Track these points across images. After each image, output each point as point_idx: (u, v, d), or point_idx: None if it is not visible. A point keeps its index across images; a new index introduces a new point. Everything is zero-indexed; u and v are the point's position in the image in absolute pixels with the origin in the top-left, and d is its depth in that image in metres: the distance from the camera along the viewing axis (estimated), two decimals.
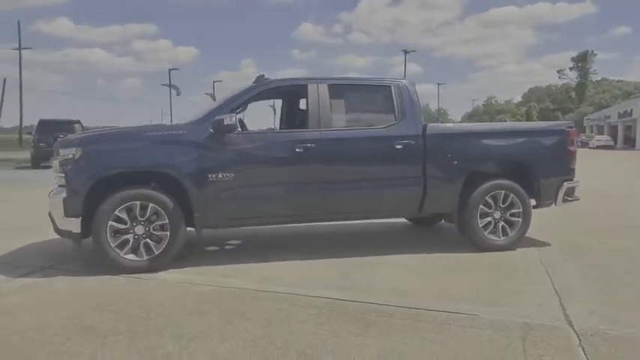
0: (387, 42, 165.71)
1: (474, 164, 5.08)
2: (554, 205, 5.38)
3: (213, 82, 48.66)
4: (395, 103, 4.96)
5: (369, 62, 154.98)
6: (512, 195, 5.11)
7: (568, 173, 5.38)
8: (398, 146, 4.81)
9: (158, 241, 4.35)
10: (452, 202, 5.04)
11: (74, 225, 4.22)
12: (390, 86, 5.01)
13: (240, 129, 4.57)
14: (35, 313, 3.36)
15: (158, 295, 3.74)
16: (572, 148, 5.37)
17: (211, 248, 5.36)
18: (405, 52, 52.18)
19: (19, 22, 46.40)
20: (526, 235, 5.27)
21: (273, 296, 3.68)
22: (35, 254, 4.95)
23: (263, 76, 4.97)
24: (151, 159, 4.34)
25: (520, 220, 5.15)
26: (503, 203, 5.12)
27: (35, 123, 19.92)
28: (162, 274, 4.25)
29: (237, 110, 4.75)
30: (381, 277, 4.20)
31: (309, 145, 4.59)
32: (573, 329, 3.03)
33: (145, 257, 4.31)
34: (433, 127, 5.09)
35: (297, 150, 4.58)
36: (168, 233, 4.35)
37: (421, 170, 4.89)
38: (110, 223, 4.22)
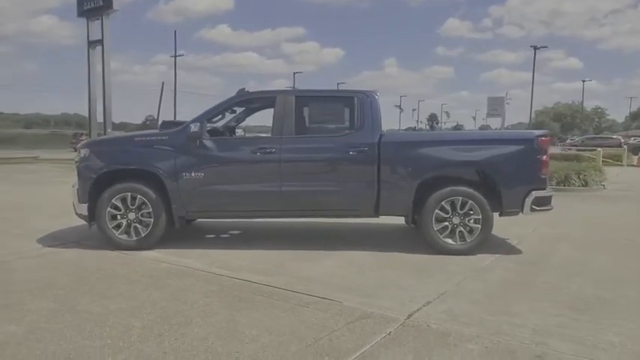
0: (541, 35, 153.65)
1: (428, 171, 5.33)
2: (521, 213, 5.40)
3: (400, 96, 50.44)
4: (356, 113, 5.43)
5: (521, 57, 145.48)
6: (470, 202, 5.27)
7: (537, 182, 5.35)
8: (352, 152, 5.29)
9: (146, 225, 5.40)
10: (405, 206, 5.37)
11: (84, 209, 5.44)
12: (353, 97, 5.49)
13: (207, 135, 5.41)
14: (32, 272, 4.56)
15: (123, 267, 4.75)
16: (543, 157, 5.33)
17: (210, 236, 6.32)
18: (535, 47, 48.98)
19: (175, 32, 53.13)
20: (514, 244, 5.57)
21: (204, 275, 4.48)
22: (71, 232, 6.33)
23: (244, 89, 5.77)
24: (139, 159, 5.40)
25: (479, 226, 5.28)
26: (462, 209, 5.30)
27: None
28: (144, 253, 5.27)
29: (215, 119, 5.63)
30: (313, 268, 4.76)
31: (269, 150, 5.29)
32: (403, 321, 3.37)
33: (134, 238, 5.39)
34: (389, 136, 5.46)
35: (258, 154, 5.31)
36: (152, 220, 5.37)
37: (375, 175, 5.30)
38: (108, 209, 5.37)
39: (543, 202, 5.38)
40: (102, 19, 21.06)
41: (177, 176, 5.32)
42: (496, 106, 39.10)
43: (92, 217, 5.45)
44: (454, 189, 5.30)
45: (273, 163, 5.30)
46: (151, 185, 5.37)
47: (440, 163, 5.33)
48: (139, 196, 5.36)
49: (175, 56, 45.09)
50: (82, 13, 21.91)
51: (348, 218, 6.48)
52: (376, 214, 5.47)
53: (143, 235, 5.39)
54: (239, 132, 6.72)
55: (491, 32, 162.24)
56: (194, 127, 5.21)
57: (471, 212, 5.30)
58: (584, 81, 64.80)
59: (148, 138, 5.53)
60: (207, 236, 6.31)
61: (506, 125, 42.44)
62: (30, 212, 7.82)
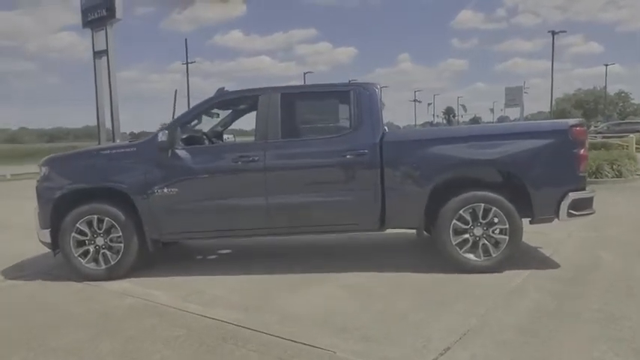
0: (558, 21, 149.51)
1: (442, 174, 4.47)
2: (557, 220, 4.49)
3: (415, 91, 49.73)
4: (352, 110, 4.60)
5: (537, 45, 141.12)
6: (494, 209, 4.39)
7: (574, 182, 4.44)
8: (349, 156, 4.46)
9: (116, 252, 4.67)
10: (416, 217, 4.52)
11: (46, 236, 4.74)
12: (348, 92, 4.66)
13: (181, 144, 4.65)
14: None
15: (81, 304, 4.02)
16: (580, 152, 4.41)
17: (198, 257, 5.58)
18: (553, 33, 47.36)
19: (186, 40, 52.86)
20: (548, 254, 4.73)
21: (171, 313, 3.72)
22: (46, 259, 5.63)
23: (223, 88, 5.01)
24: (104, 176, 4.67)
25: (506, 238, 4.40)
26: (484, 218, 4.42)
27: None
28: (114, 283, 4.54)
29: (191, 124, 4.87)
30: (304, 299, 3.95)
31: (251, 157, 4.51)
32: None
33: (104, 266, 4.66)
34: (392, 134, 4.62)
35: (239, 163, 4.53)
36: (122, 245, 4.64)
37: (378, 182, 4.46)
38: (73, 234, 4.65)
39: (583, 205, 4.46)
40: (106, 29, 20.79)
41: (148, 193, 4.57)
42: (514, 96, 38.20)
43: (56, 244, 4.75)
44: (474, 194, 4.42)
45: (257, 172, 4.51)
46: (120, 205, 4.64)
47: (455, 164, 4.46)
48: (106, 218, 4.63)
49: (187, 63, 44.90)
50: (86, 24, 21.68)
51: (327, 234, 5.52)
52: (382, 227, 4.62)
53: (113, 262, 4.66)
54: (228, 138, 5.97)
55: (505, 22, 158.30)
56: (162, 136, 4.45)
57: (496, 221, 4.42)
58: (606, 65, 61.59)
59: (114, 151, 4.80)
60: (194, 257, 5.57)
61: (525, 115, 41.16)
62: (19, 232, 7.20)
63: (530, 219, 4.54)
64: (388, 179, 4.46)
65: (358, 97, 4.60)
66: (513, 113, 55.36)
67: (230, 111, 5.79)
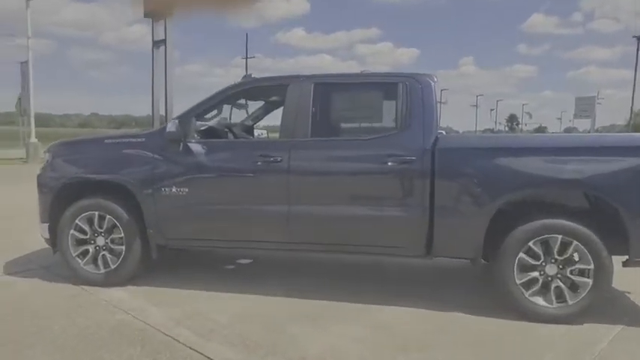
0: None
1: (510, 193, 3.53)
2: None
3: (477, 95, 48.47)
4: (399, 106, 3.75)
5: (616, 53, 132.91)
6: (575, 243, 3.41)
7: None
8: (391, 163, 3.61)
9: (117, 255, 4.08)
10: (473, 245, 3.60)
11: (45, 231, 4.23)
12: (396, 85, 3.80)
13: (196, 136, 3.99)
14: None
15: (65, 317, 3.43)
16: None
17: (209, 264, 4.92)
18: (639, 38, 43.66)
19: (247, 34, 52.69)
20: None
21: (157, 342, 3.05)
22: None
23: (250, 75, 4.30)
24: (107, 168, 4.08)
25: (589, 281, 3.41)
26: (561, 254, 3.45)
27: None
28: (110, 291, 3.96)
29: (209, 114, 4.20)
30: (321, 339, 3.15)
31: (273, 158, 3.76)
32: None
33: (102, 270, 4.09)
34: (447, 139, 3.72)
35: (259, 164, 3.79)
36: (123, 248, 4.04)
37: (426, 198, 3.59)
38: (72, 232, 4.11)
39: None
40: (165, 20, 20.86)
41: (154, 192, 3.94)
42: (585, 107, 36.06)
43: (55, 240, 4.23)
44: (550, 222, 3.46)
45: (279, 176, 3.76)
46: (123, 203, 4.05)
47: (529, 181, 3.50)
48: (107, 216, 4.05)
49: (246, 58, 45.12)
50: (147, 13, 21.90)
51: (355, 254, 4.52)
52: (427, 253, 3.73)
53: (113, 267, 4.07)
54: (261, 134, 5.27)
55: (581, 27, 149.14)
56: (171, 127, 3.80)
57: (576, 259, 3.44)
58: None
59: (121, 140, 4.19)
60: (209, 264, 4.91)
61: (596, 127, 38.47)
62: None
63: (623, 261, 3.51)
64: (440, 195, 3.58)
65: (408, 91, 3.74)
66: (582, 125, 51.62)
67: (262, 103, 5.10)
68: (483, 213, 3.52)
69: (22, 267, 4.63)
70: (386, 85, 3.90)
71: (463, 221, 3.58)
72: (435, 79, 3.84)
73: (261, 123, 5.39)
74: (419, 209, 3.60)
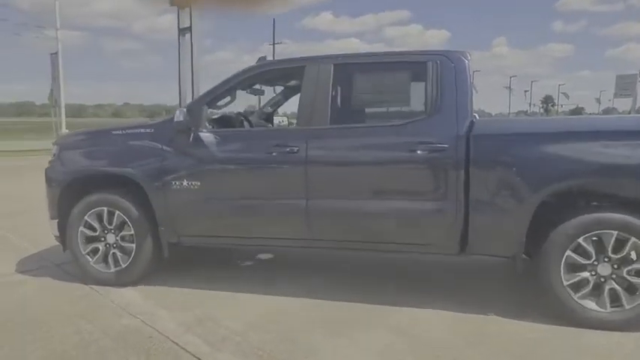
0: None
1: (557, 184, 3.10)
2: None
3: (510, 77, 47.22)
4: (429, 87, 3.35)
5: None
6: (633, 240, 2.97)
7: None
8: (420, 151, 3.23)
9: (128, 253, 3.86)
10: (513, 242, 3.20)
11: (54, 228, 4.05)
12: (425, 64, 3.39)
13: (207, 126, 3.69)
14: None
15: (68, 323, 3.22)
16: None
17: (233, 260, 4.67)
18: None
19: (274, 19, 51.71)
20: None
21: (164, 352, 2.80)
22: None
23: (265, 57, 3.97)
24: (114, 161, 3.85)
25: None
26: (616, 252, 3.02)
27: None
28: (117, 291, 3.75)
29: (221, 101, 3.89)
30: (342, 349, 2.84)
31: (289, 147, 3.43)
32: None
33: (113, 269, 3.89)
34: (484, 124, 3.31)
35: (273, 154, 3.47)
36: (134, 245, 3.82)
37: (460, 189, 3.20)
38: (81, 229, 3.91)
39: None
40: (190, 7, 20.73)
41: (165, 186, 3.68)
42: (627, 86, 34.31)
43: (65, 238, 4.04)
44: (604, 217, 3.03)
45: (296, 167, 3.43)
46: (133, 198, 3.81)
47: (579, 170, 3.06)
48: (117, 212, 3.83)
49: (274, 44, 44.53)
50: (172, 1, 21.81)
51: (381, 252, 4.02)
52: (461, 250, 3.35)
53: (123, 265, 3.85)
54: (281, 122, 4.94)
55: (621, 2, 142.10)
56: (179, 116, 3.51)
57: (634, 258, 3.01)
58: None
59: (129, 131, 3.93)
60: (229, 259, 4.66)
61: (638, 107, 36.74)
62: None
63: None
64: (475, 187, 3.18)
65: (439, 71, 3.33)
66: (623, 105, 49.36)
67: (282, 88, 4.77)
68: (525, 206, 3.11)
69: (36, 264, 4.48)
70: (413, 65, 3.49)
71: (502, 215, 3.18)
72: (469, 57, 3.42)
73: (285, 109, 5.08)
74: (452, 202, 3.22)
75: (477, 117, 3.37)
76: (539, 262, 3.17)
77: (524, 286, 3.62)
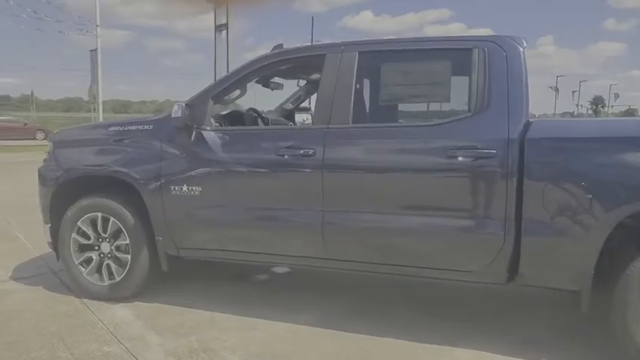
0: None
1: (636, 202, 2.44)
2: None
3: (557, 76, 45.57)
4: (473, 80, 2.74)
5: None
6: None
7: None
8: (461, 158, 2.63)
9: (123, 265, 3.42)
10: (578, 274, 2.55)
11: (47, 233, 3.67)
12: (470, 51, 2.78)
13: (212, 123, 3.20)
14: None
15: (47, 341, 2.81)
16: None
17: (245, 274, 4.18)
18: None
19: (312, 17, 51.85)
20: None
21: None
22: None
23: (281, 45, 3.43)
24: (108, 161, 3.40)
25: None
26: None
27: None
28: (108, 309, 3.31)
29: (229, 94, 3.39)
30: None
31: (303, 150, 2.89)
32: None
33: (107, 282, 3.46)
34: (543, 126, 2.67)
35: (285, 157, 2.94)
36: (129, 256, 3.38)
37: (511, 205, 2.58)
38: (74, 235, 3.50)
39: None
40: (227, 4, 20.61)
41: (162, 190, 3.22)
42: None
43: (57, 245, 3.64)
44: None
45: (311, 173, 2.89)
46: (129, 203, 3.36)
47: None
48: (112, 218, 3.39)
49: (312, 43, 44.42)
50: None
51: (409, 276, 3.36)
52: (510, 278, 2.73)
53: (118, 278, 3.42)
54: (305, 120, 4.42)
55: None
56: (176, 111, 3.03)
57: None
58: None
59: (126, 128, 3.48)
60: (233, 275, 4.15)
61: None
62: None
63: None
64: (530, 203, 2.55)
65: (487, 59, 2.72)
66: None
67: (305, 82, 4.25)
68: (596, 229, 2.46)
69: (33, 270, 4.14)
70: (456, 52, 2.88)
71: (564, 240, 2.53)
72: (524, 43, 2.78)
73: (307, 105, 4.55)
74: (499, 222, 2.60)
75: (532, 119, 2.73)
76: (613, 300, 2.51)
77: (585, 322, 2.95)
